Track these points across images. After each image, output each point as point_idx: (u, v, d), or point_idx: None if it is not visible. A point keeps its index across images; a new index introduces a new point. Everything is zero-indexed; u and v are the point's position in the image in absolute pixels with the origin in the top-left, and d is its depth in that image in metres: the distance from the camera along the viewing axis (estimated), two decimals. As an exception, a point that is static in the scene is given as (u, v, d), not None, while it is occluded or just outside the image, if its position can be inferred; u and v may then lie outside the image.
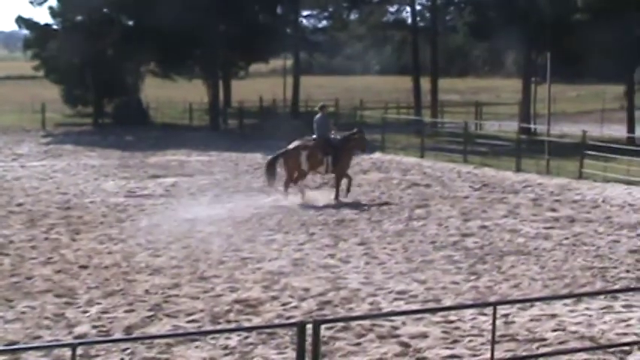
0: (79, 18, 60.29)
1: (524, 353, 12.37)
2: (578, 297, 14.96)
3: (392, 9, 63.07)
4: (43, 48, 60.76)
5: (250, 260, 18.36)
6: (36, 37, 61.22)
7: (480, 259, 18.34)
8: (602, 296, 15.01)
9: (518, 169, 32.44)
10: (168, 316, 14.43)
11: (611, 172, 29.70)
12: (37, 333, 13.52)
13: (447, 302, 15.15)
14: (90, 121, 59.08)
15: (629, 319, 13.95)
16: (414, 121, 49.01)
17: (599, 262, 18.03)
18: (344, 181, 26.54)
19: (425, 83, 57.22)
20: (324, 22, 68.74)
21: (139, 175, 32.32)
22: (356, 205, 25.27)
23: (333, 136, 27.19)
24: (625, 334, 13.23)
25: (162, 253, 19.11)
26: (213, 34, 54.53)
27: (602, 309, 14.49)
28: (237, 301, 15.18)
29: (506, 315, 13.99)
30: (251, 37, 55.53)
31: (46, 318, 14.28)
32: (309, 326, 8.70)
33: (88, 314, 14.50)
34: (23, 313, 14.57)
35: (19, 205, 25.55)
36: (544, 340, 13.03)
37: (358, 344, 12.90)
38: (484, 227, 21.84)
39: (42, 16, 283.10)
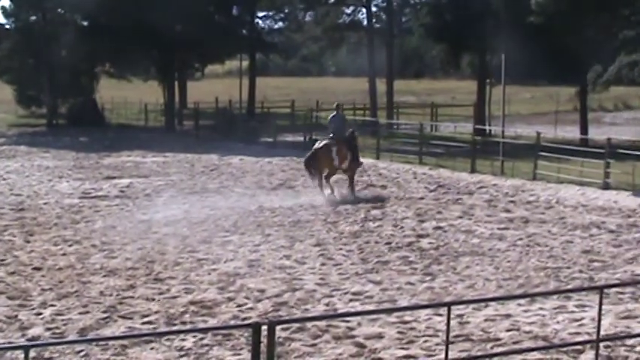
0: (33, 18, 59.83)
1: (478, 353, 12.43)
2: (532, 297, 15.06)
3: (347, 10, 63.23)
4: (-5, 48, 60.27)
5: (206, 261, 18.31)
6: (-12, 37, 60.69)
7: (435, 260, 18.41)
8: (555, 296, 15.12)
9: (473, 171, 32.63)
10: (123, 317, 14.35)
11: (565, 173, 29.95)
12: (-11, 335, 13.38)
13: (403, 303, 15.19)
14: (44, 122, 58.67)
15: (582, 318, 14.07)
16: (369, 123, 49.10)
17: (553, 263, 18.17)
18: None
19: (380, 85, 57.39)
20: (280, 24, 68.87)
21: (94, 177, 32.14)
22: (311, 206, 25.29)
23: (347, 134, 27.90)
24: (578, 333, 13.34)
25: (118, 254, 19.00)
26: (169, 34, 54.33)
27: (555, 309, 14.60)
28: (192, 303, 15.13)
29: (460, 315, 14.05)
30: (207, 38, 55.39)
31: (-1, 320, 14.15)
32: (265, 327, 8.68)
33: (41, 316, 14.38)
34: (-24, 315, 14.42)
35: (-28, 206, 25.31)
36: (498, 339, 13.11)
37: (314, 345, 12.91)
38: (439, 228, 21.93)
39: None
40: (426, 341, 13.04)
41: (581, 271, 17.48)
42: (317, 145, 27.50)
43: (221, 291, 15.95)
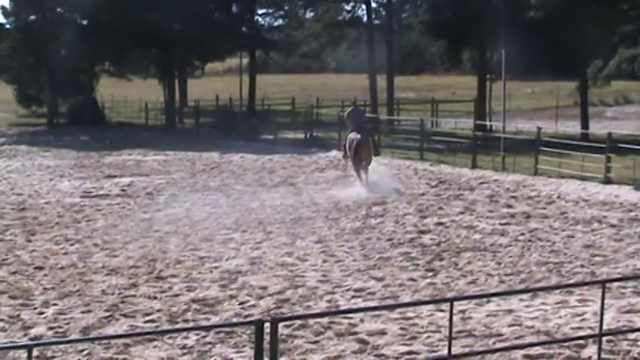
0: (33, 17, 59.84)
1: (481, 348, 12.43)
2: (534, 292, 15.06)
3: (347, 7, 63.21)
4: (-5, 48, 60.29)
5: (208, 259, 18.31)
6: (-12, 37, 60.68)
7: (437, 256, 18.41)
8: (557, 291, 15.12)
9: (474, 166, 32.62)
10: (125, 316, 14.35)
11: (566, 168, 29.93)
12: (-8, 335, 13.39)
13: (405, 299, 15.20)
14: (44, 121, 58.67)
15: (584, 313, 14.06)
16: (370, 119, 49.09)
17: (555, 258, 18.17)
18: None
19: (381, 81, 57.38)
20: (280, 21, 68.83)
21: (95, 175, 32.15)
22: (313, 203, 25.30)
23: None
24: (580, 328, 13.34)
25: (119, 253, 19.01)
26: (168, 33, 54.34)
27: (557, 304, 14.59)
28: (194, 301, 15.13)
29: (463, 311, 14.05)
30: (206, 36, 55.38)
31: (1, 320, 14.13)
32: (267, 324, 8.69)
33: (44, 315, 14.38)
34: (-22, 315, 14.43)
35: (-27, 206, 25.32)
36: (501, 335, 13.10)
37: (316, 342, 12.91)
38: (441, 224, 21.93)
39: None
40: (428, 337, 13.04)
41: (582, 266, 17.47)
42: (354, 136, 27.77)
43: (223, 289, 15.95)
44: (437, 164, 33.98)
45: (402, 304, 14.76)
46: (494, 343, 12.74)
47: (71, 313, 14.49)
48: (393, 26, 59.98)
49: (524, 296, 14.87)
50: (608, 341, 12.36)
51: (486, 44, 51.95)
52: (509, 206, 24.53)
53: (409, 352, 12.51)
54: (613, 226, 21.46)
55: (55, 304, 14.98)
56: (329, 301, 15.12)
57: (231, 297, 15.40)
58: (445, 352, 10.91)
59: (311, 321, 13.53)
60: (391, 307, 14.44)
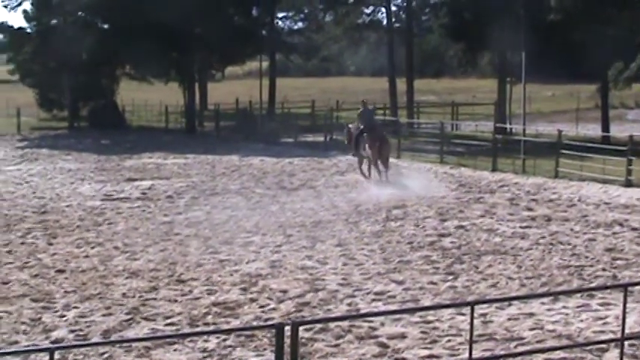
0: (54, 21, 60.07)
1: (502, 352, 12.41)
2: (555, 295, 15.02)
3: (367, 10, 63.17)
4: (17, 52, 60.57)
5: (228, 262, 18.34)
6: (10, 41, 60.98)
7: (458, 259, 18.38)
8: (578, 294, 15.08)
9: (495, 169, 32.54)
10: (146, 319, 14.40)
11: (587, 171, 29.82)
12: (13, 338, 13.45)
13: (425, 302, 15.17)
14: (65, 125, 58.90)
15: (606, 317, 14.02)
16: (390, 122, 49.05)
17: (576, 261, 18.11)
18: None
19: (401, 84, 57.32)
20: (300, 24, 68.86)
21: (116, 179, 32.24)
22: (333, 206, 25.29)
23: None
24: (602, 331, 13.30)
25: (140, 256, 19.06)
26: (189, 36, 54.46)
27: (579, 307, 14.55)
28: (215, 304, 15.16)
29: (484, 314, 14.03)
30: (227, 40, 55.44)
31: (23, 323, 14.21)
32: (288, 328, 8.69)
33: (65, 318, 14.44)
34: (0, 317, 14.50)
35: (-5, 209, 25.44)
36: (522, 338, 13.07)
37: (337, 345, 12.91)
38: (461, 227, 21.89)
39: (16, 20, 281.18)
40: (449, 341, 13.03)
41: (604, 269, 17.41)
42: (375, 134, 30.08)
43: (243, 292, 15.97)
44: (457, 167, 33.91)
45: (423, 308, 14.73)
46: (515, 346, 12.71)
47: (92, 316, 14.54)
48: (413, 29, 59.88)
49: (546, 300, 14.83)
50: (631, 345, 12.32)
51: (506, 47, 51.77)
52: (530, 209, 24.46)
53: (430, 356, 12.50)
54: (634, 229, 21.37)
55: (76, 307, 15.04)
56: (349, 305, 15.11)
57: (252, 300, 15.42)
58: (466, 355, 10.90)
59: (331, 324, 13.53)
60: (412, 311, 14.42)
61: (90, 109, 60.80)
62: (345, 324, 13.58)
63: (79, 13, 59.55)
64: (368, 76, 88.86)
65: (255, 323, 13.99)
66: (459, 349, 12.61)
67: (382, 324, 13.73)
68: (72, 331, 13.75)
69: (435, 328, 13.59)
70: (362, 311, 14.68)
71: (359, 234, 21.22)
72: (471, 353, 9.83)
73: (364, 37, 64.97)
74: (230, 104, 62.39)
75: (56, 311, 14.87)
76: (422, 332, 13.42)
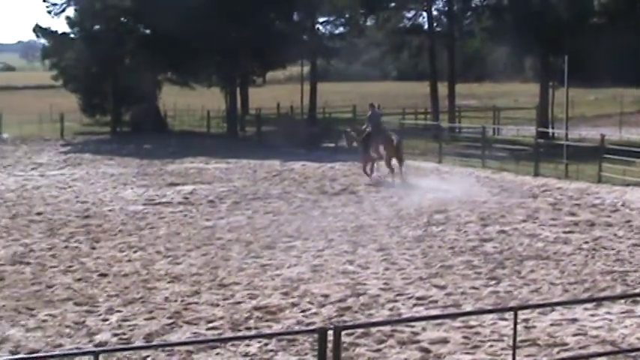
0: (97, 27, 60.50)
1: (545, 358, 12.34)
2: (599, 301, 14.90)
3: (409, 15, 62.98)
4: (61, 57, 61.05)
5: (270, 267, 18.38)
6: (54, 46, 61.48)
7: (500, 264, 18.30)
8: (622, 300, 14.95)
9: (537, 174, 32.34)
10: (188, 323, 14.47)
11: (631, 175, 29.57)
12: (58, 341, 13.58)
13: (467, 307, 15.13)
14: (108, 130, 59.31)
15: (650, 323, 13.90)
16: (431, 127, 48.95)
17: (620, 266, 17.97)
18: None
19: (442, 88, 57.16)
20: (341, 29, 68.64)
21: (158, 183, 32.41)
22: (374, 211, 25.27)
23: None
24: (646, 338, 13.19)
25: (182, 260, 19.16)
26: (231, 41, 54.64)
27: (622, 313, 14.43)
28: (256, 308, 15.20)
29: (526, 320, 13.95)
30: (268, 45, 55.57)
31: (67, 326, 14.34)
32: (330, 332, 8.68)
33: (108, 322, 14.55)
34: (44, 321, 14.64)
35: (39, 214, 25.67)
36: (565, 344, 12.99)
37: (379, 350, 12.90)
38: (503, 232, 21.79)
39: (60, 25, 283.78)
40: (491, 346, 12.97)
41: (648, 275, 17.25)
42: (391, 136, 31.78)
43: (285, 296, 16.00)
44: (499, 172, 33.74)
45: (465, 313, 14.69)
46: (558, 352, 12.64)
47: (135, 320, 14.64)
48: (455, 33, 59.60)
49: (589, 305, 14.73)
50: (675, 352, 12.20)
51: (549, 50, 51.48)
52: (573, 214, 24.29)
53: (472, 361, 12.45)
54: (679, 234, 21.16)
55: (119, 311, 15.15)
56: (391, 309, 15.10)
57: (293, 305, 15.44)
58: (508, 361, 10.84)
59: (373, 329, 13.52)
60: (454, 316, 14.38)
61: (132, 114, 61.18)
62: (386, 329, 13.57)
63: (122, 18, 59.97)
64: (410, 81, 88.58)
65: (296, 328, 14.02)
66: (501, 355, 12.55)
67: (424, 329, 13.69)
68: (115, 335, 13.86)
69: (477, 334, 13.54)
70: (404, 316, 14.66)
71: (400, 239, 21.19)
72: (514, 359, 9.79)
73: (406, 41, 64.68)
74: (271, 109, 62.52)
75: (99, 315, 14.98)
76: (464, 337, 13.37)
